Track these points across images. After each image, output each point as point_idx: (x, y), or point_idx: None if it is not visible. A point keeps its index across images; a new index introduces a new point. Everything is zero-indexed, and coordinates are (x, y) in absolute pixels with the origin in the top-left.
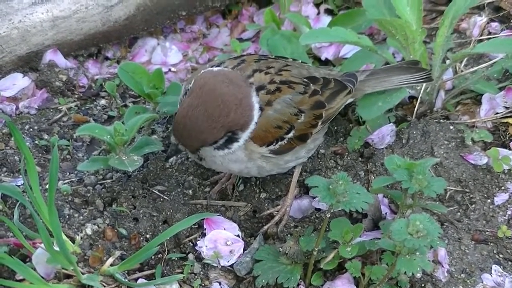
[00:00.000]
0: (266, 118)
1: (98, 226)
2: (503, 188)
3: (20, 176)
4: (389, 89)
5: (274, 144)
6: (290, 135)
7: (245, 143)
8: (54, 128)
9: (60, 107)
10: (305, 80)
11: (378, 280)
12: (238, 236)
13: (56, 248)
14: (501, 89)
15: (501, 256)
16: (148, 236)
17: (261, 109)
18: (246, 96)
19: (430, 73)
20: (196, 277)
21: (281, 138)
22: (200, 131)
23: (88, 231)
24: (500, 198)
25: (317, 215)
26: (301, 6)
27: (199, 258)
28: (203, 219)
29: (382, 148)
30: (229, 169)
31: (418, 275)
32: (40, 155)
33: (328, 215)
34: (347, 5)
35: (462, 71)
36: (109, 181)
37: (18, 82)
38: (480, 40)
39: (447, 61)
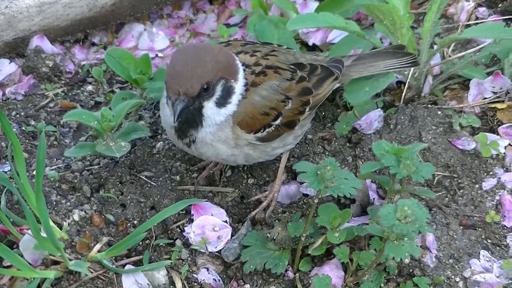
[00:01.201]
0: (253, 104)
1: (85, 212)
2: (491, 173)
3: (7, 162)
4: (376, 74)
5: (262, 131)
6: (278, 122)
7: (232, 126)
8: (41, 114)
9: (47, 93)
10: (291, 66)
11: (366, 266)
12: (225, 222)
13: (44, 235)
14: (489, 74)
15: (489, 241)
16: (135, 222)
17: (246, 85)
18: (226, 50)
19: (416, 58)
20: (183, 263)
21: (268, 125)
22: (194, 70)
23: (76, 217)
24: (488, 183)
25: (305, 200)
26: None
27: (186, 244)
28: (191, 205)
29: (370, 134)
30: (217, 152)
31: (406, 260)
32: (27, 141)
33: (316, 201)
34: None
35: (450, 56)
36: (96, 167)
37: (5, 68)
38: (468, 25)
39: (435, 46)
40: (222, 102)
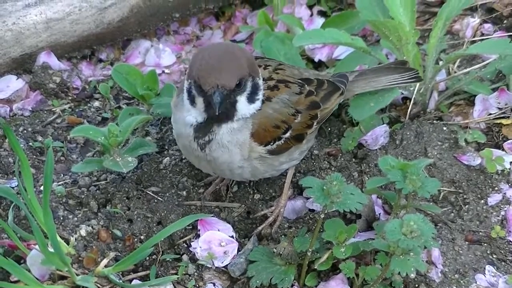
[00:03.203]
0: (266, 117)
1: (92, 227)
2: (496, 188)
3: (15, 177)
4: (381, 90)
5: (272, 144)
6: (287, 135)
7: (248, 135)
8: (48, 130)
9: (54, 109)
10: (299, 81)
11: (372, 281)
12: (232, 237)
13: (51, 250)
14: (494, 90)
15: (494, 256)
16: (142, 237)
17: (263, 96)
18: (251, 55)
19: (418, 73)
20: (190, 278)
21: (278, 138)
22: (231, 64)
23: (83, 232)
24: (494, 199)
25: (311, 216)
26: (294, 7)
27: (193, 259)
28: (197, 220)
29: (376, 149)
30: (231, 159)
31: (412, 275)
32: (34, 157)
33: (322, 216)
34: (340, 7)
35: (455, 72)
36: (103, 182)
37: (12, 84)
38: (473, 41)
39: (440, 62)
40: (251, 98)
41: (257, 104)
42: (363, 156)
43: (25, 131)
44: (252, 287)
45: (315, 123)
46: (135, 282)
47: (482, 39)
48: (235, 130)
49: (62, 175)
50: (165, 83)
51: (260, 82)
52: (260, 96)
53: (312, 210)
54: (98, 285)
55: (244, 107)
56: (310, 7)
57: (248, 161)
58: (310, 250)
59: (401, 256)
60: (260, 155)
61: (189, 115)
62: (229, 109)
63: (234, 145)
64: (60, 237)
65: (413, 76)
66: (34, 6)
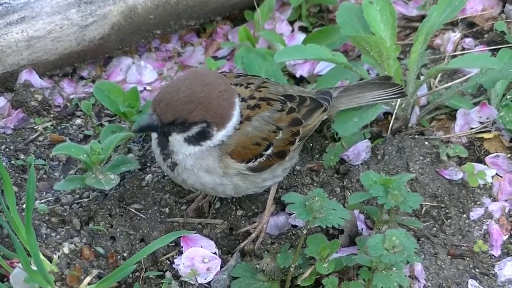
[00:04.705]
0: (245, 135)
1: (75, 245)
2: (478, 203)
3: None
4: (364, 105)
5: (253, 161)
6: (269, 152)
7: (220, 156)
8: (31, 147)
9: (36, 127)
10: (281, 97)
11: None
12: (215, 253)
13: (34, 268)
14: (475, 104)
15: (477, 270)
16: (125, 254)
17: (240, 118)
18: (231, 91)
19: (402, 88)
20: None
21: (260, 155)
22: (178, 101)
23: (65, 250)
24: (476, 213)
25: (293, 231)
26: (276, 24)
27: (176, 276)
28: (180, 237)
29: (358, 164)
30: (201, 181)
31: None
32: (17, 175)
33: (305, 232)
34: (321, 23)
35: (436, 86)
36: (85, 200)
37: None
38: (454, 56)
39: (422, 77)
40: (192, 141)
41: (200, 148)
42: (345, 171)
43: (7, 149)
44: None
45: (297, 140)
46: None
47: (463, 54)
48: (195, 156)
49: (44, 193)
50: (146, 100)
51: (216, 132)
52: (207, 143)
53: (295, 226)
54: None
55: (180, 145)
56: (291, 23)
57: (228, 178)
58: (293, 265)
59: (383, 271)
60: (240, 172)
61: (155, 137)
62: (163, 138)
63: (199, 170)
64: (43, 255)
65: (397, 91)
66: (15, 24)
